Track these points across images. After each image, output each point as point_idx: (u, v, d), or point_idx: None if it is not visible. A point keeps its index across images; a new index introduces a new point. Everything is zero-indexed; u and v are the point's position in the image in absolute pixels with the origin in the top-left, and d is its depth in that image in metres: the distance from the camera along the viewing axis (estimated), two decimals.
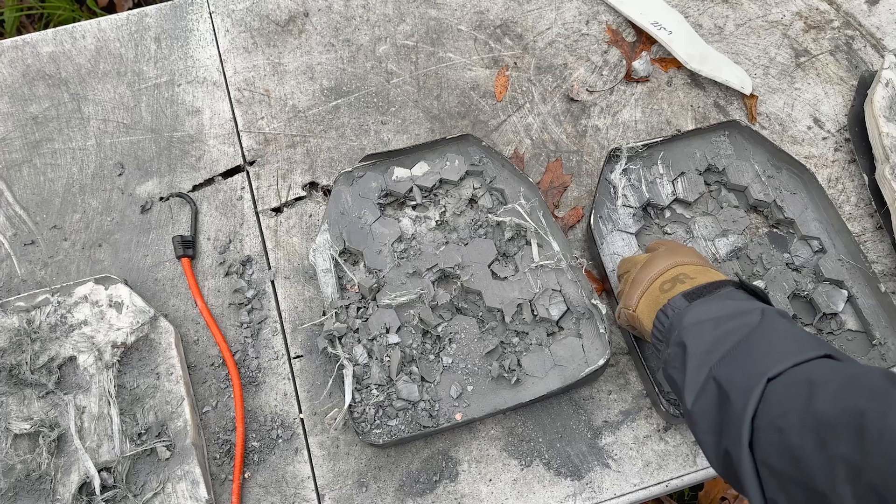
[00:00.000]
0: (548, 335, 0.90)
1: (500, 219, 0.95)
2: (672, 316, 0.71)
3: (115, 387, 0.84)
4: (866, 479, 0.48)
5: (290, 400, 0.89)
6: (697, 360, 0.64)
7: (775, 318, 0.64)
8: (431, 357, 0.89)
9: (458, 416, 0.85)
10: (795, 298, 0.92)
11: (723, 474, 0.62)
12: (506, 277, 0.92)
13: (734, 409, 0.58)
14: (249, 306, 0.93)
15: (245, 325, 0.92)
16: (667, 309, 0.72)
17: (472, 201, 0.99)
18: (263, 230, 0.98)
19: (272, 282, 0.95)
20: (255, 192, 1.01)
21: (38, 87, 1.08)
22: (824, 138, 1.06)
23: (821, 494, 0.51)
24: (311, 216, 1.00)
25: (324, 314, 0.90)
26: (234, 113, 1.06)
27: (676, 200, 0.99)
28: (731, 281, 0.73)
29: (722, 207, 0.98)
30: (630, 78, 1.11)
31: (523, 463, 0.86)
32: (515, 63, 1.12)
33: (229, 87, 1.08)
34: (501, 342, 0.89)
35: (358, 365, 0.86)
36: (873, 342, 0.89)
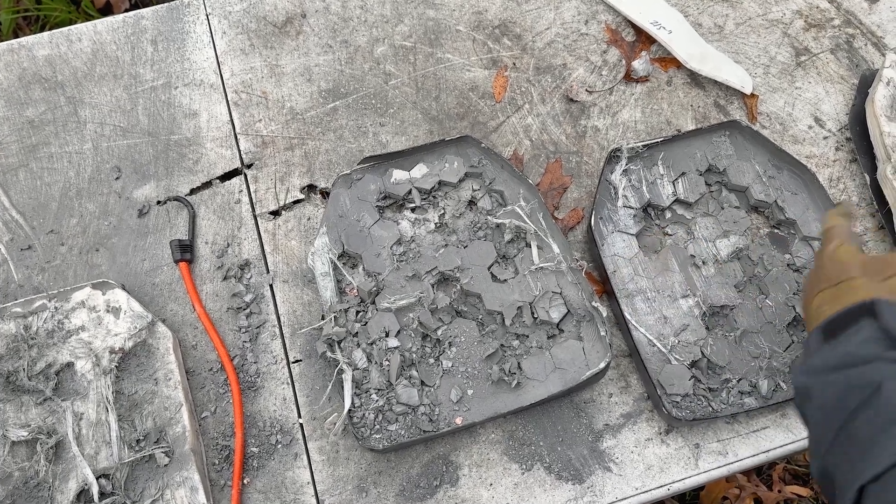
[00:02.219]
0: (548, 338, 0.89)
1: (500, 221, 0.94)
2: (806, 354, 0.65)
3: (112, 393, 0.84)
4: None
5: (290, 405, 0.88)
6: (814, 434, 0.60)
7: (890, 391, 0.55)
8: (431, 361, 0.88)
9: (459, 421, 0.84)
10: (795, 296, 0.92)
11: None
12: (505, 280, 0.92)
13: None
14: (248, 310, 0.93)
15: (244, 330, 0.92)
16: (806, 343, 0.66)
17: (472, 203, 0.98)
18: (262, 234, 0.98)
19: (271, 286, 0.95)
20: (252, 195, 1.00)
21: (34, 90, 1.07)
22: (825, 138, 1.06)
23: None
24: (309, 219, 0.99)
25: (322, 318, 0.89)
26: (231, 115, 1.05)
27: (677, 201, 0.98)
28: (865, 306, 0.62)
29: (723, 208, 0.97)
30: (630, 78, 1.10)
31: (524, 467, 0.85)
32: (514, 63, 1.11)
33: (226, 89, 1.07)
34: (501, 345, 0.89)
35: (357, 369, 0.86)
36: None
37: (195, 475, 0.81)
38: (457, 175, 0.98)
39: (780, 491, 1.63)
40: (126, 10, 1.18)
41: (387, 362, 0.87)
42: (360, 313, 0.90)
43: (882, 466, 0.51)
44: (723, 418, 0.86)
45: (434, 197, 0.98)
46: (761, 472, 1.65)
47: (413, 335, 0.89)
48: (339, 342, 0.87)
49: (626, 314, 0.90)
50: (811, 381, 0.61)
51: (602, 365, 0.84)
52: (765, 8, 1.16)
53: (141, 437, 0.82)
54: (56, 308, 0.88)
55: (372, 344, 0.88)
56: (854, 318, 0.62)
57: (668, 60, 1.11)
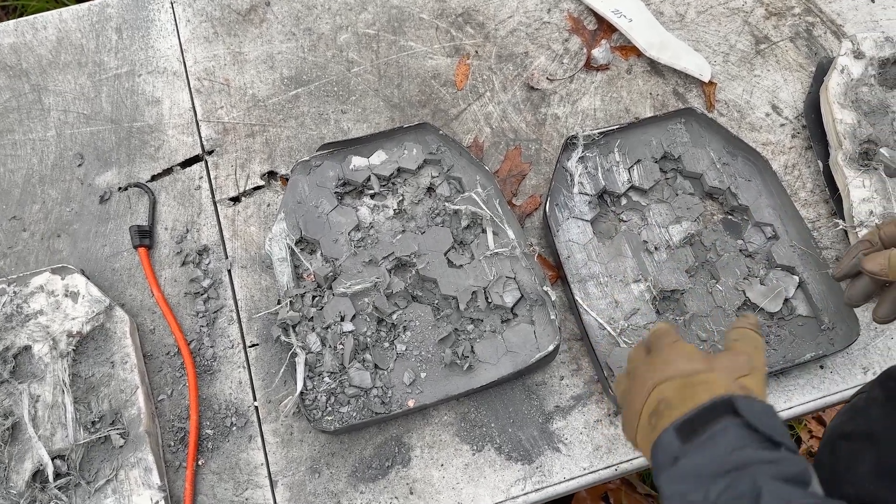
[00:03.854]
0: (502, 322, 0.90)
1: (457, 207, 0.95)
2: (659, 463, 0.61)
3: (69, 376, 0.85)
4: None
5: (245, 388, 0.89)
6: None
7: (773, 498, 0.53)
8: (386, 345, 0.89)
9: (411, 403, 0.85)
10: (748, 281, 0.93)
11: None
12: (461, 265, 0.93)
13: None
14: (206, 295, 0.94)
15: (201, 315, 0.93)
16: (657, 448, 0.61)
17: (430, 190, 0.99)
18: (221, 220, 0.99)
19: (229, 271, 0.96)
20: (213, 181, 1.01)
21: None
22: (782, 125, 1.07)
23: None
24: (269, 205, 1.00)
25: (279, 303, 0.91)
26: (193, 103, 1.06)
27: (632, 188, 0.99)
28: (724, 402, 0.60)
29: (677, 194, 0.99)
30: (590, 66, 1.11)
31: (475, 448, 0.87)
32: (476, 52, 1.12)
33: (189, 76, 1.08)
34: (456, 329, 0.90)
35: (311, 353, 0.87)
36: (822, 327, 0.90)
37: (150, 456, 0.82)
38: (415, 162, 0.99)
39: None
40: None
41: (341, 346, 0.88)
42: (317, 298, 0.91)
43: None
44: None
45: (393, 184, 0.99)
46: None
47: (368, 319, 0.90)
48: (294, 326, 0.89)
49: (578, 298, 0.91)
50: (688, 489, 0.57)
51: (551, 348, 0.86)
52: None
53: (97, 419, 0.84)
54: (15, 292, 0.89)
55: (327, 328, 0.89)
56: (713, 417, 0.59)
57: (628, 49, 1.12)
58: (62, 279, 0.90)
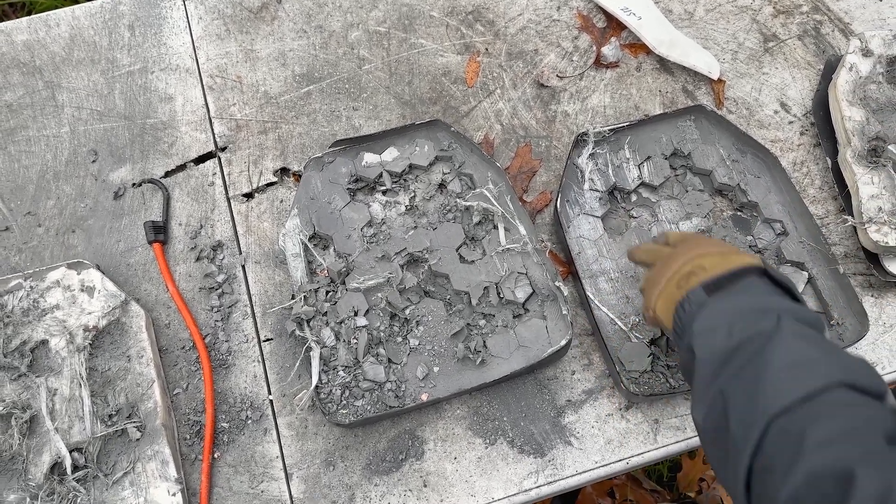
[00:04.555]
0: (513, 317, 0.91)
1: (468, 203, 0.96)
2: (687, 313, 0.67)
3: (86, 369, 0.86)
4: None
5: (260, 382, 0.90)
6: (707, 370, 0.62)
7: (790, 329, 0.60)
8: (399, 339, 0.90)
9: (424, 397, 0.86)
10: None
11: (729, 493, 0.59)
12: (473, 261, 0.94)
13: (735, 441, 0.56)
14: (220, 290, 0.95)
15: (216, 309, 0.94)
16: (684, 303, 0.68)
17: (442, 186, 1.00)
18: (234, 215, 1.00)
19: (243, 266, 0.97)
20: (226, 177, 1.02)
21: (12, 75, 1.09)
22: (790, 122, 1.08)
23: None
24: (282, 201, 1.01)
25: (293, 298, 0.91)
26: (206, 99, 1.07)
27: (642, 184, 1.00)
28: (754, 268, 0.68)
29: (687, 191, 0.99)
30: (599, 63, 1.12)
31: (488, 441, 0.87)
32: (487, 49, 1.13)
33: (202, 73, 1.09)
34: (468, 324, 0.91)
35: (325, 347, 0.88)
36: (831, 322, 0.91)
37: (166, 449, 0.83)
38: (427, 158, 1.00)
39: None
40: None
41: (355, 340, 0.89)
42: (330, 293, 0.92)
43: (789, 400, 0.54)
44: (681, 394, 0.88)
45: (405, 180, 1.00)
46: None
47: (381, 314, 0.91)
48: (308, 321, 0.90)
49: (589, 294, 0.92)
50: (714, 324, 0.64)
51: (563, 342, 0.86)
52: None
53: (113, 413, 0.85)
54: (31, 287, 0.90)
55: (341, 323, 0.90)
56: (739, 277, 0.67)
57: (637, 46, 1.13)
58: (78, 274, 0.91)
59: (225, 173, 1.02)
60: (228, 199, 1.01)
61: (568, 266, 0.97)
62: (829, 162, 1.02)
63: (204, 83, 1.08)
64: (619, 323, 0.90)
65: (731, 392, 0.59)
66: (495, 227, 0.96)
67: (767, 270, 0.67)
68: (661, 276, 0.73)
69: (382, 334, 0.90)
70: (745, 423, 0.56)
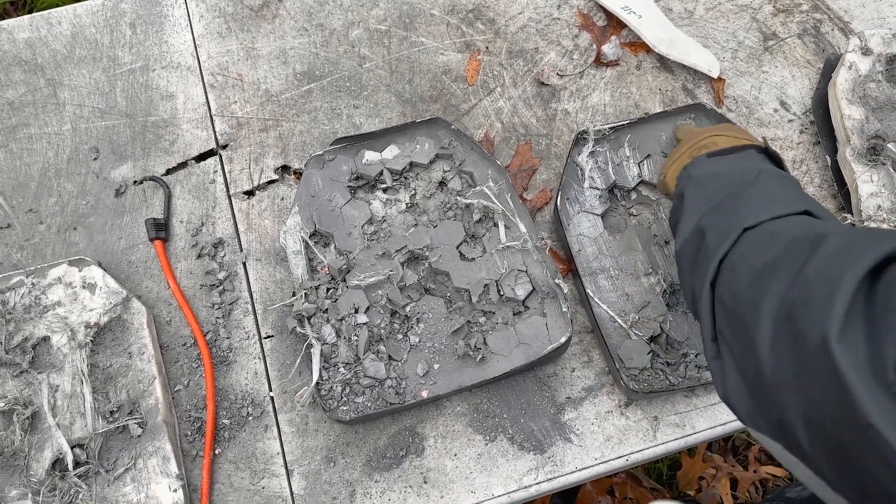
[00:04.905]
0: (514, 314, 0.92)
1: (469, 201, 0.96)
2: (688, 169, 0.77)
3: (87, 366, 0.86)
4: (785, 308, 0.52)
5: (261, 378, 0.91)
6: (692, 208, 0.70)
7: (771, 177, 0.69)
8: (399, 336, 0.90)
9: (424, 394, 0.87)
10: None
11: (690, 310, 0.68)
12: (473, 258, 0.94)
13: (708, 252, 0.64)
14: (221, 288, 0.95)
15: (217, 306, 0.94)
16: (689, 166, 0.77)
17: (442, 184, 1.00)
18: (235, 213, 1.00)
19: (244, 264, 0.97)
20: (227, 175, 1.02)
21: (14, 72, 1.09)
22: (790, 121, 1.08)
23: (746, 324, 0.56)
24: (282, 199, 1.01)
25: (294, 295, 0.92)
26: (207, 97, 1.07)
27: (642, 182, 1.00)
28: (756, 145, 0.77)
29: None
30: (600, 62, 1.12)
31: (488, 438, 0.88)
32: (487, 47, 1.13)
33: (203, 71, 1.09)
34: (468, 321, 0.91)
35: (326, 344, 0.88)
36: None
37: (167, 445, 0.84)
38: (428, 156, 1.00)
39: (755, 471, 1.66)
40: None
41: (355, 337, 0.89)
42: (331, 290, 0.92)
43: (762, 218, 0.63)
44: (681, 391, 0.89)
45: (405, 178, 1.00)
46: (738, 453, 1.68)
47: (382, 312, 0.91)
48: (309, 318, 0.90)
49: (589, 291, 0.92)
50: (704, 172, 0.74)
51: (563, 339, 0.87)
52: None
53: (115, 409, 0.85)
54: (33, 284, 0.90)
55: (341, 320, 0.90)
56: (741, 149, 0.77)
57: (637, 45, 1.13)
58: (79, 271, 0.91)
59: (226, 171, 1.02)
60: (229, 197, 1.01)
61: (568, 264, 0.97)
62: (829, 160, 1.02)
63: (205, 81, 1.08)
64: (618, 320, 0.91)
65: (711, 219, 0.67)
66: (495, 225, 0.96)
67: (767, 149, 0.77)
68: (680, 148, 0.84)
69: (383, 331, 0.90)
70: (719, 235, 0.64)
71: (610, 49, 1.11)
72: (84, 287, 0.90)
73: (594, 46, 1.13)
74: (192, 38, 1.12)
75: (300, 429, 0.88)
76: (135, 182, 1.02)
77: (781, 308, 0.52)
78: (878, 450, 0.41)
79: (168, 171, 1.02)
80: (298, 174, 1.03)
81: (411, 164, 1.00)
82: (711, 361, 0.62)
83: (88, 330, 0.88)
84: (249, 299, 0.95)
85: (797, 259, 0.53)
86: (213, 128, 1.05)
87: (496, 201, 0.95)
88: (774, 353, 0.52)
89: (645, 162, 1.00)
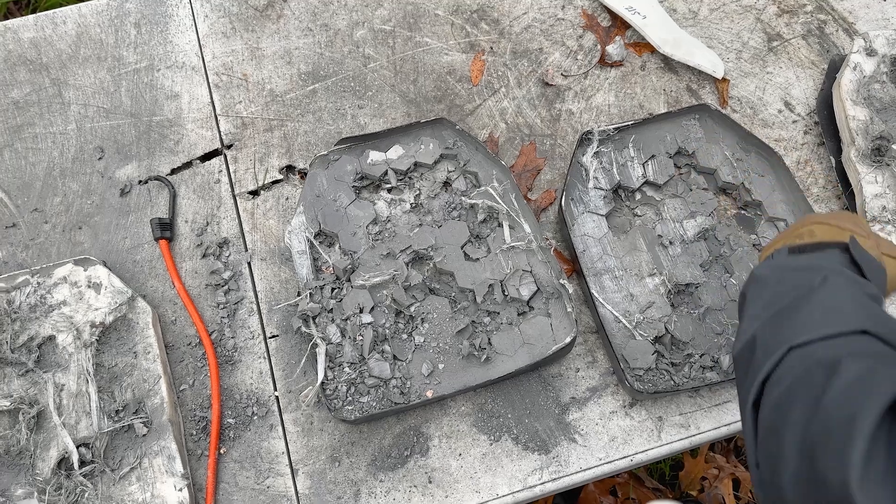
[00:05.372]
0: (518, 315, 0.92)
1: (473, 201, 0.96)
2: (763, 261, 0.73)
3: (93, 365, 0.86)
4: (807, 444, 0.50)
5: (266, 378, 0.91)
6: (752, 311, 0.66)
7: (836, 286, 0.62)
8: (404, 336, 0.91)
9: (429, 394, 0.87)
10: None
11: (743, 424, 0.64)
12: (478, 258, 0.94)
13: (755, 368, 0.60)
14: (226, 287, 0.95)
15: (222, 306, 0.94)
16: (768, 258, 0.73)
17: (447, 184, 1.00)
18: (240, 213, 1.00)
19: (249, 263, 0.97)
20: (232, 175, 1.02)
21: (19, 72, 1.09)
22: (794, 121, 1.08)
23: (772, 454, 0.53)
24: (287, 199, 1.01)
25: (298, 295, 0.92)
26: (212, 97, 1.07)
27: (647, 183, 1.00)
28: (841, 243, 0.70)
29: (691, 190, 1.00)
30: (604, 62, 1.12)
31: (492, 438, 0.88)
32: (492, 48, 1.13)
33: (208, 71, 1.09)
34: (473, 321, 0.91)
35: (331, 344, 0.88)
36: None
37: (172, 444, 0.84)
38: (432, 156, 1.00)
39: None
40: None
41: (360, 337, 0.89)
42: (336, 290, 0.92)
43: (811, 336, 0.58)
44: (685, 392, 0.89)
45: (410, 178, 1.01)
46: (740, 453, 1.68)
47: (387, 311, 0.91)
48: (314, 318, 0.90)
49: (594, 292, 0.92)
50: (770, 273, 0.69)
51: (568, 340, 0.87)
52: None
53: (120, 408, 0.85)
54: (39, 283, 0.90)
55: (346, 320, 0.90)
56: (824, 247, 0.70)
57: (642, 45, 1.13)
58: (85, 270, 0.91)
59: (231, 171, 1.03)
60: (234, 197, 1.01)
61: (572, 264, 0.97)
62: (833, 161, 1.02)
63: (210, 81, 1.09)
64: (623, 321, 0.91)
65: (764, 331, 0.62)
66: (500, 225, 0.96)
67: (850, 248, 0.69)
68: (781, 234, 0.78)
69: (388, 331, 0.90)
70: (767, 351, 0.60)
71: (614, 49, 1.11)
72: (89, 286, 0.90)
73: (598, 47, 1.13)
74: (197, 38, 1.12)
75: (305, 428, 0.88)
76: (140, 182, 1.02)
77: (804, 443, 0.50)
78: None
79: (173, 171, 1.03)
80: (303, 174, 1.03)
81: (416, 165, 1.00)
82: (756, 489, 0.58)
83: (94, 329, 0.88)
84: (254, 299, 0.95)
85: (814, 388, 0.51)
86: (218, 127, 1.05)
87: (501, 201, 0.96)
88: (796, 490, 0.50)
89: (649, 162, 1.00)
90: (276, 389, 0.90)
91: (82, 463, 0.82)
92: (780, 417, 0.54)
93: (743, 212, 1.00)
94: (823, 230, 0.73)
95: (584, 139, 1.00)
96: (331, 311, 0.91)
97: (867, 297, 0.62)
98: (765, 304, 0.65)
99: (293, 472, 0.86)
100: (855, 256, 0.67)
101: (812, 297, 0.62)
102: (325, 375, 0.86)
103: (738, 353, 0.65)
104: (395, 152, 1.00)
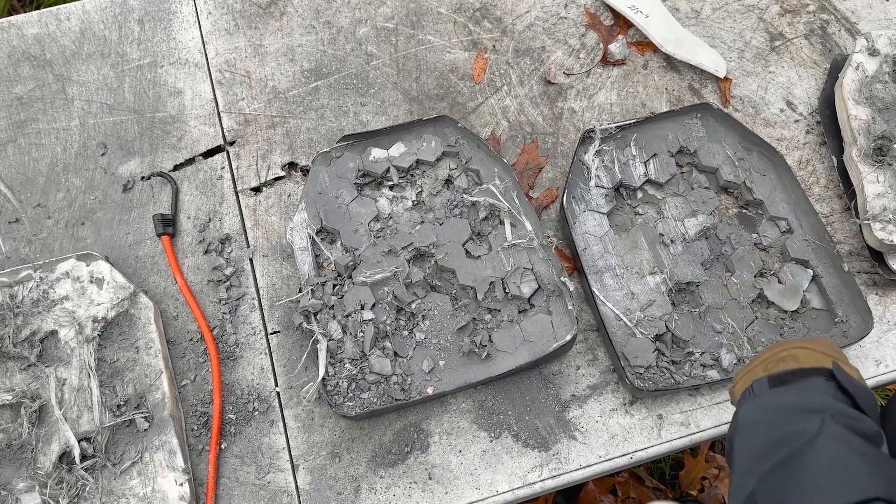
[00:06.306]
0: (519, 312, 0.92)
1: (475, 199, 0.97)
2: (745, 396, 0.68)
3: (95, 360, 0.87)
4: None
5: (267, 374, 0.91)
6: (745, 465, 0.62)
7: (834, 432, 0.58)
8: (405, 333, 0.91)
9: (430, 390, 0.87)
10: (761, 277, 0.94)
11: None
12: (479, 256, 0.94)
13: None
14: (228, 283, 0.95)
15: (223, 302, 0.94)
16: (747, 391, 0.68)
17: (448, 182, 1.01)
18: (243, 209, 1.00)
19: (251, 259, 0.97)
20: (234, 171, 1.03)
21: (23, 68, 1.10)
22: (796, 121, 1.08)
23: None
24: (289, 196, 1.02)
25: (300, 291, 0.92)
26: (215, 94, 1.08)
27: (648, 181, 1.00)
28: (825, 369, 0.66)
29: (693, 188, 1.00)
30: (606, 61, 1.12)
31: (492, 435, 0.88)
32: (494, 46, 1.13)
33: (211, 68, 1.10)
34: (473, 319, 0.92)
35: (332, 340, 0.89)
36: (836, 320, 0.91)
37: (174, 439, 0.84)
38: (434, 154, 1.00)
39: None
40: None
41: (361, 334, 0.89)
42: (337, 287, 0.93)
43: None
44: (685, 390, 0.89)
45: (412, 175, 1.01)
46: None
47: (388, 308, 0.91)
48: (315, 314, 0.90)
49: (595, 289, 0.92)
50: (757, 416, 0.64)
51: (568, 337, 0.87)
52: None
53: (122, 403, 0.85)
54: (41, 278, 0.90)
55: (347, 316, 0.90)
56: (806, 375, 0.66)
57: (644, 44, 1.13)
58: (87, 266, 0.92)
59: (233, 167, 1.03)
60: (237, 193, 1.01)
61: (573, 262, 0.97)
62: (835, 160, 1.02)
63: (213, 78, 1.09)
64: (623, 319, 0.91)
65: (764, 489, 0.58)
66: (501, 223, 0.97)
67: (836, 375, 0.65)
68: (760, 355, 0.72)
69: (389, 328, 0.90)
70: None
71: (617, 48, 1.12)
72: (92, 282, 0.91)
73: (601, 45, 1.13)
74: (201, 35, 1.12)
75: (306, 424, 0.88)
76: (142, 178, 1.02)
77: None
78: None
79: (176, 167, 1.03)
80: (305, 171, 1.04)
81: (418, 162, 1.00)
82: None
83: (96, 324, 0.88)
84: (256, 295, 0.95)
85: None
86: (221, 124, 1.06)
87: (502, 199, 0.96)
88: None
89: (651, 161, 1.01)
90: (277, 385, 0.90)
91: (83, 457, 0.82)
92: None
93: (744, 211, 1.00)
94: (805, 355, 0.69)
95: (586, 137, 1.00)
96: (332, 307, 0.91)
97: (870, 445, 0.59)
98: (758, 454, 0.61)
99: (294, 468, 0.86)
100: (843, 384, 0.64)
101: (813, 452, 0.57)
102: (326, 371, 0.86)
103: (741, 498, 0.60)
104: (398, 150, 1.01)
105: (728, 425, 0.88)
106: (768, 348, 0.73)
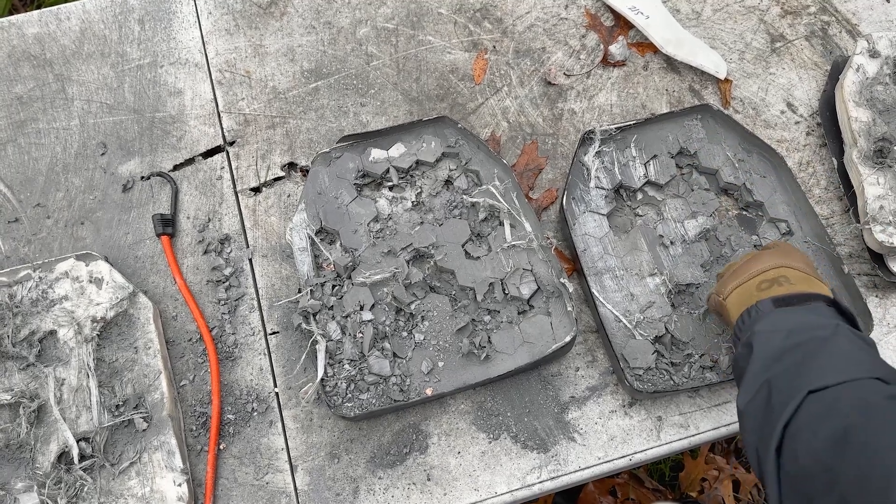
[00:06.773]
0: (518, 313, 0.92)
1: (475, 200, 0.96)
2: (752, 317, 0.73)
3: (94, 360, 0.87)
4: (838, 490, 0.52)
5: (266, 374, 0.91)
6: (760, 364, 0.67)
7: (844, 337, 0.66)
8: (404, 334, 0.91)
9: (429, 391, 0.87)
10: None
11: (756, 473, 0.65)
12: (479, 257, 0.94)
13: (773, 415, 0.62)
14: (227, 283, 0.95)
15: (223, 302, 0.94)
16: (752, 310, 0.74)
17: (448, 182, 1.01)
18: (242, 209, 1.00)
19: (250, 260, 0.97)
20: (234, 171, 1.03)
21: (23, 67, 1.10)
22: (797, 123, 1.08)
23: (812, 499, 0.55)
24: (289, 196, 1.02)
25: (299, 291, 0.92)
26: (215, 94, 1.08)
27: (648, 183, 1.00)
28: (825, 296, 0.73)
29: (693, 190, 1.00)
30: (607, 62, 1.12)
31: (491, 436, 0.88)
32: (494, 46, 1.13)
33: (211, 68, 1.10)
34: (473, 320, 0.91)
35: (331, 340, 0.89)
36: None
37: (172, 440, 0.84)
38: (434, 155, 1.00)
39: None
40: None
41: (360, 334, 0.89)
42: (336, 287, 0.93)
43: (829, 382, 0.61)
44: (685, 392, 0.89)
45: (411, 176, 1.01)
46: (740, 455, 1.68)
47: (387, 309, 0.91)
48: (314, 314, 0.90)
49: (594, 291, 0.92)
50: (776, 328, 0.70)
51: (567, 339, 0.87)
52: None
53: (120, 403, 0.85)
54: (40, 278, 0.90)
55: (346, 317, 0.90)
56: (809, 299, 0.72)
57: (645, 45, 1.13)
58: (87, 265, 0.92)
59: (233, 167, 1.03)
60: (236, 193, 1.01)
61: (573, 263, 0.97)
62: (835, 162, 1.02)
63: (213, 78, 1.09)
64: (623, 320, 0.91)
65: (778, 379, 0.64)
66: (501, 224, 0.96)
67: (836, 301, 0.73)
68: (746, 271, 0.78)
69: (388, 329, 0.90)
70: (784, 398, 0.62)
71: (617, 49, 1.11)
72: (91, 281, 0.91)
73: (601, 46, 1.13)
74: (201, 35, 1.12)
75: (304, 425, 0.88)
76: (142, 177, 1.02)
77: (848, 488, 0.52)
78: None
79: (175, 167, 1.03)
80: (305, 171, 1.04)
81: (417, 163, 1.00)
82: None
83: (95, 324, 0.88)
84: (255, 295, 0.95)
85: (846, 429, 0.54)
86: (221, 124, 1.06)
87: (502, 200, 0.96)
88: None
89: (651, 162, 1.00)
90: (276, 386, 0.90)
91: (82, 457, 0.82)
92: (818, 463, 0.55)
93: (744, 212, 1.00)
94: (797, 277, 0.75)
95: (586, 139, 1.00)
96: (331, 308, 0.91)
97: (872, 347, 0.67)
98: (774, 356, 0.67)
99: (292, 469, 0.86)
100: (844, 309, 0.72)
101: (827, 346, 0.64)
102: (325, 372, 0.86)
103: (746, 404, 0.66)
104: (397, 150, 1.01)
105: (727, 427, 0.89)
106: (747, 262, 0.79)
